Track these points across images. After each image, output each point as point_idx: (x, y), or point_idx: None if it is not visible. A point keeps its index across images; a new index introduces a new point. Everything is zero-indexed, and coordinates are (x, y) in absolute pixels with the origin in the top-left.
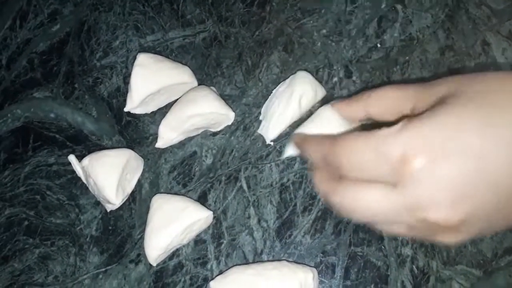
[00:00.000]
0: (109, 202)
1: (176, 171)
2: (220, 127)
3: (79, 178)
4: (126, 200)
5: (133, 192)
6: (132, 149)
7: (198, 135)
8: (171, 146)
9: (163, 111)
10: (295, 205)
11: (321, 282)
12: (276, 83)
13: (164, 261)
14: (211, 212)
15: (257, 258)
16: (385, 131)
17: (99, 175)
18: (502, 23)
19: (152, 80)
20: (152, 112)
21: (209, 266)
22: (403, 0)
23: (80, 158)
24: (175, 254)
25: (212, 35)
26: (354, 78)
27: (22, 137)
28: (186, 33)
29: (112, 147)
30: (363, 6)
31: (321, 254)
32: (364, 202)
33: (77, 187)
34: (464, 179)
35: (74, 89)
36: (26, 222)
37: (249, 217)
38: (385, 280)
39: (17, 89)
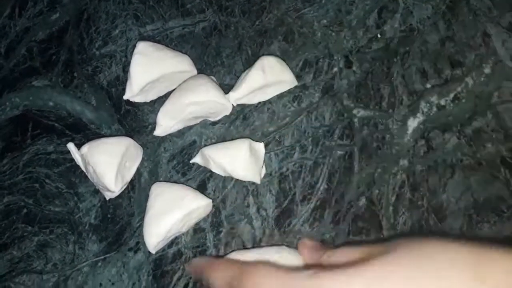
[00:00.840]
0: (108, 190)
1: (176, 160)
2: (219, 116)
3: (78, 166)
4: (125, 188)
5: (132, 181)
6: (131, 138)
7: (197, 124)
8: (170, 135)
9: (162, 100)
10: (294, 194)
11: None
12: None
13: (163, 249)
14: (211, 201)
15: (256, 246)
16: (298, 273)
17: (98, 162)
18: (503, 14)
19: (151, 68)
20: (151, 101)
21: (208, 254)
22: None
23: (79, 146)
24: (174, 242)
25: (212, 25)
26: (354, 68)
27: (21, 125)
28: (186, 22)
29: (111, 136)
30: None
31: (320, 243)
32: None
33: (76, 175)
34: None
35: (73, 78)
36: (25, 210)
37: (248, 206)
38: None
39: (16, 78)
